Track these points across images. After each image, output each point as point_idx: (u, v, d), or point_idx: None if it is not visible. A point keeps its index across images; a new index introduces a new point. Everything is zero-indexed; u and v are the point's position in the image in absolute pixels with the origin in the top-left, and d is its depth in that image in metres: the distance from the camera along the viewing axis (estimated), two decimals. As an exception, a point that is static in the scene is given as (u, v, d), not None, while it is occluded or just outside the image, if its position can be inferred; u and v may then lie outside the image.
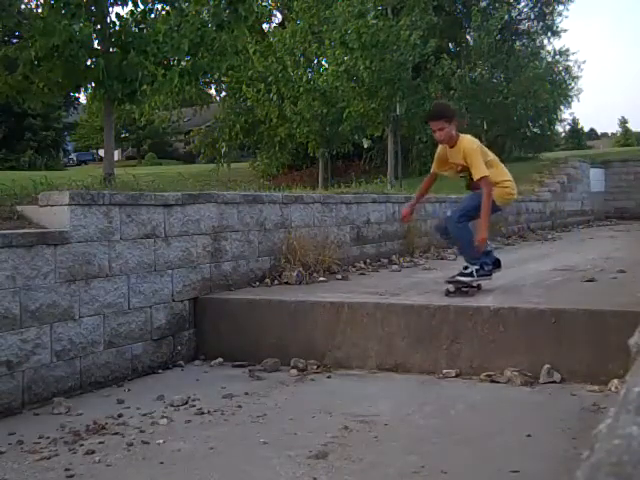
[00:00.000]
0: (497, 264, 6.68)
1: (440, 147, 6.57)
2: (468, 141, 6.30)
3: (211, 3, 12.18)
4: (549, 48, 34.66)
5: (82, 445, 4.06)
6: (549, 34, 35.41)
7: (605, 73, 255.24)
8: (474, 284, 6.31)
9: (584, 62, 37.72)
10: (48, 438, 4.18)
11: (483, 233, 6.14)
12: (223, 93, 27.98)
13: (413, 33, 20.24)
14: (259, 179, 27.39)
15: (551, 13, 35.06)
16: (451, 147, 6.35)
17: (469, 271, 6.30)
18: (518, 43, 34.20)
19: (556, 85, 29.31)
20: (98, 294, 5.45)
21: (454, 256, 9.99)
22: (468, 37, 30.22)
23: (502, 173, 6.49)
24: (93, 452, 3.93)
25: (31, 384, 4.93)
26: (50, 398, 4.95)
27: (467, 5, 31.94)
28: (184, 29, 11.24)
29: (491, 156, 6.47)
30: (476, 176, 6.13)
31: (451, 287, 6.24)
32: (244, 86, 24.39)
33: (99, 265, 5.46)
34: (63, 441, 4.13)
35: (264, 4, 25.97)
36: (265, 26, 28.97)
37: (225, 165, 28.92)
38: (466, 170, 6.29)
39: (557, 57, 32.94)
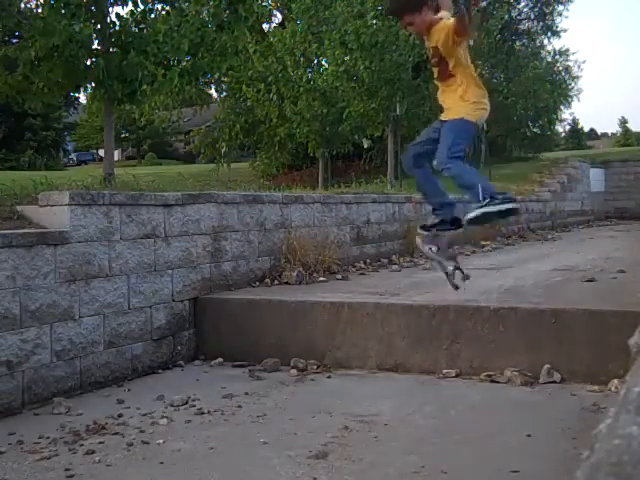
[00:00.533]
0: (512, 199, 4.98)
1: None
2: (440, 18, 4.92)
3: (211, 3, 12.17)
4: (549, 48, 34.68)
5: (82, 445, 4.06)
6: (549, 34, 35.41)
7: (605, 73, 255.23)
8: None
9: (584, 62, 37.80)
10: (48, 438, 4.18)
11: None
12: (223, 93, 27.96)
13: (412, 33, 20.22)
14: (259, 179, 27.37)
15: (551, 13, 35.05)
16: (428, 36, 5.05)
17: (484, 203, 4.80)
18: (518, 43, 34.20)
19: (556, 85, 29.31)
20: (98, 294, 5.44)
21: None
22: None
23: (478, 84, 5.05)
24: (93, 452, 3.93)
25: (31, 384, 4.92)
26: (50, 398, 4.95)
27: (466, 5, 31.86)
28: (184, 29, 11.24)
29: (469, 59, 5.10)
30: (449, 25, 4.73)
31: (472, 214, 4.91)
32: (244, 86, 24.38)
33: (99, 265, 5.46)
34: (63, 441, 4.13)
35: (264, 4, 25.96)
36: (265, 26, 28.96)
37: (225, 165, 28.91)
38: (441, 59, 4.99)
39: (557, 57, 32.95)
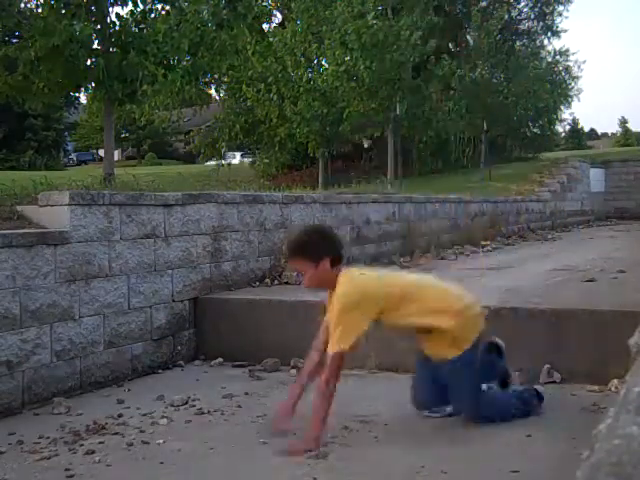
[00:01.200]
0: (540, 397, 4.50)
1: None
2: (344, 284, 4.05)
3: (211, 2, 12.19)
4: (549, 48, 34.66)
5: (82, 445, 4.05)
6: (549, 34, 35.41)
7: (605, 73, 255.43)
8: None
9: (584, 62, 37.74)
10: (48, 438, 4.18)
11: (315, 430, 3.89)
12: (222, 93, 27.97)
13: (414, 33, 20.25)
14: (259, 179, 27.39)
15: (551, 13, 35.05)
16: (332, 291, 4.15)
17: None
18: (518, 43, 34.20)
19: (556, 85, 29.31)
20: (98, 294, 5.44)
21: (454, 256, 10.01)
22: (468, 37, 30.21)
23: (443, 298, 4.22)
24: (93, 452, 3.92)
25: (31, 384, 4.92)
26: (50, 398, 4.95)
27: (467, 5, 31.94)
28: (184, 28, 11.26)
29: (412, 284, 4.29)
30: (329, 347, 3.98)
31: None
32: (244, 86, 24.40)
33: (99, 265, 5.46)
34: (63, 441, 4.13)
35: (264, 3, 25.96)
36: (265, 26, 28.95)
37: (225, 165, 28.93)
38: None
39: (557, 57, 32.94)
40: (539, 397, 4.45)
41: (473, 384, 4.23)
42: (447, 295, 4.24)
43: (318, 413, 3.86)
